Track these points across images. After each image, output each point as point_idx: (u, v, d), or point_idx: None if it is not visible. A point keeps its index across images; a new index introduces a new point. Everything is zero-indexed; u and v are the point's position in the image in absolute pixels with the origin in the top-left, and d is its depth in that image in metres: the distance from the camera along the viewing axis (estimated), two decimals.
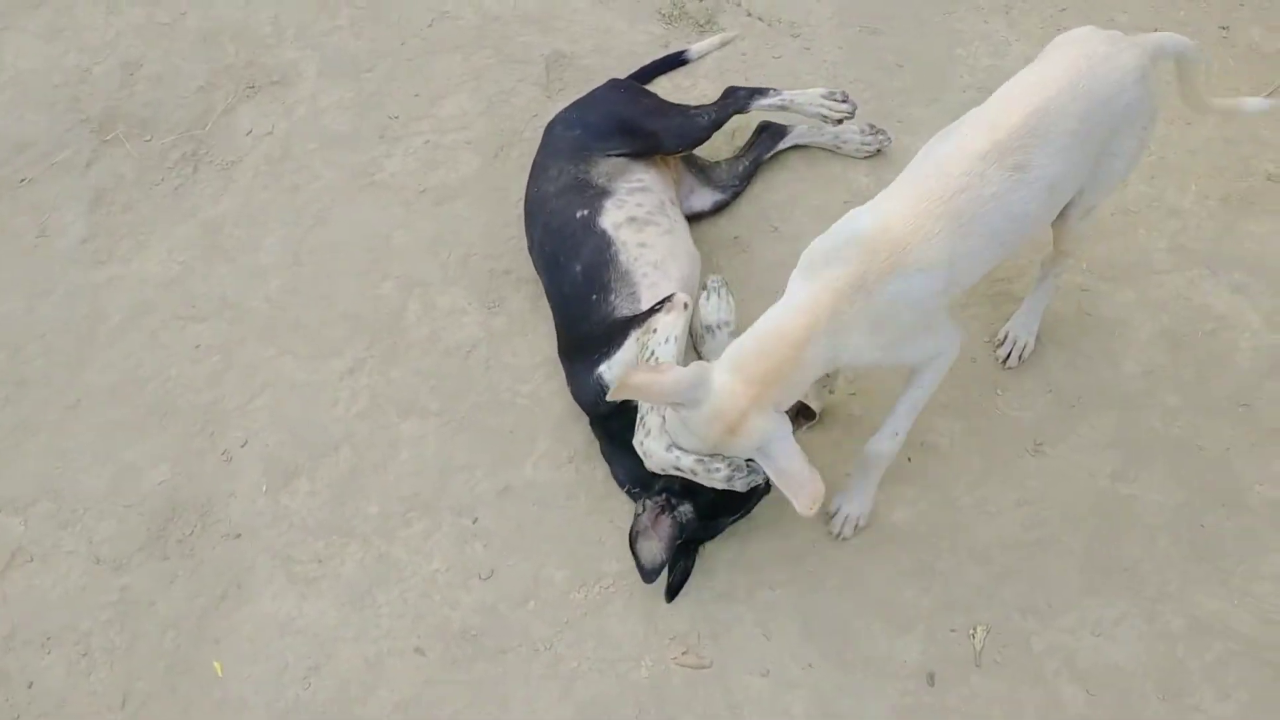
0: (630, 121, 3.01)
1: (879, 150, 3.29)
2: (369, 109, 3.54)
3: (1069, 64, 2.33)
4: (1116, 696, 2.47)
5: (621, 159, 2.98)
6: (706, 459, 2.36)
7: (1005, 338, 2.95)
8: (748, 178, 3.28)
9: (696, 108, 3.15)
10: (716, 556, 2.69)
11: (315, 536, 2.77)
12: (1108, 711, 2.45)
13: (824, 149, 3.35)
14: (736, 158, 3.31)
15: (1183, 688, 2.47)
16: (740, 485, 2.40)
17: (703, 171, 3.24)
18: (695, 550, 2.65)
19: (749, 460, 2.36)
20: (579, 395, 2.75)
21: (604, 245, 2.79)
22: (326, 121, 3.53)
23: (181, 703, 2.55)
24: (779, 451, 2.23)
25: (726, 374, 2.20)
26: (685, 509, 2.54)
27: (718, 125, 3.11)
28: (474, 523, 2.77)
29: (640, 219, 2.85)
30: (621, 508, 2.75)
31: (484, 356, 3.03)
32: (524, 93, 3.56)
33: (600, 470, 2.80)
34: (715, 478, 2.39)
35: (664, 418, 2.43)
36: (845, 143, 3.31)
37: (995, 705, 2.47)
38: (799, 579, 2.66)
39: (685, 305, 2.61)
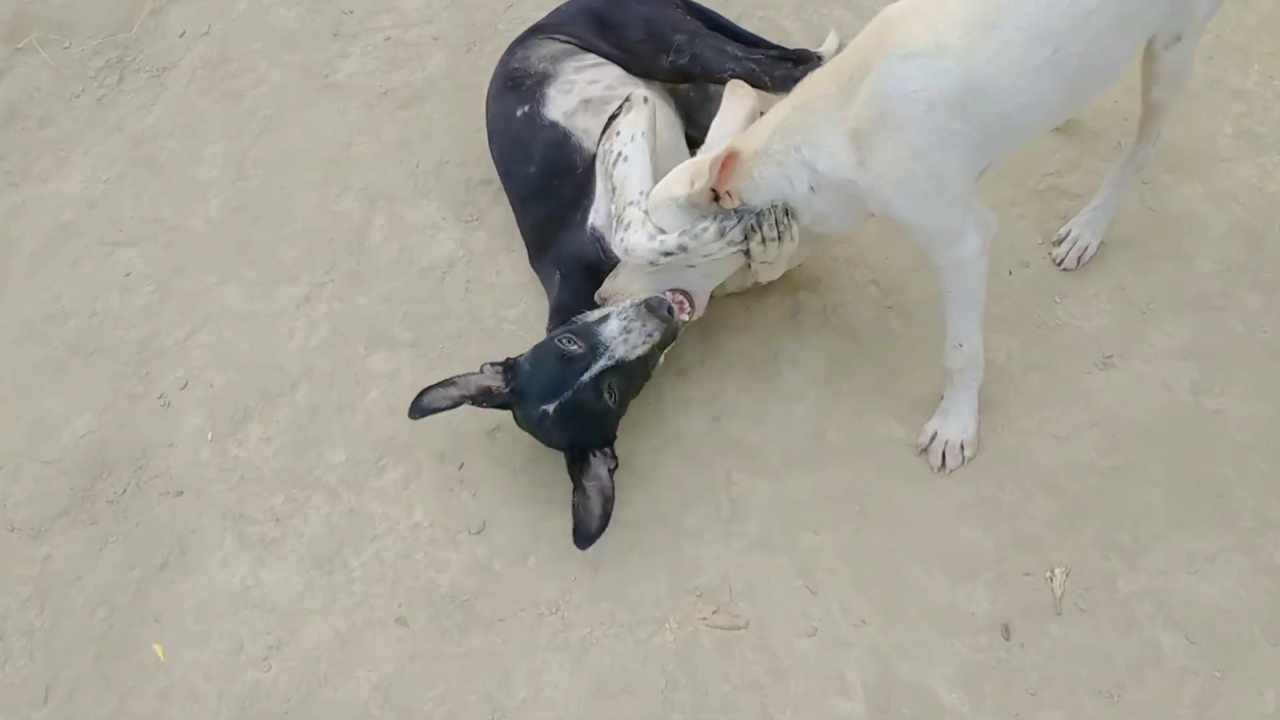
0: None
1: None
2: (320, 2, 3.08)
3: None
4: (1221, 643, 2.11)
5: (567, 44, 2.55)
6: (690, 229, 2.08)
7: (1067, 236, 2.56)
8: None
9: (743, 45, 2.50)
10: (748, 498, 2.30)
11: (272, 490, 2.35)
12: (1213, 661, 2.09)
13: None
14: None
15: None
16: (734, 235, 2.10)
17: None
18: (612, 493, 2.23)
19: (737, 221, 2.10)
20: (570, 263, 2.34)
21: (560, 140, 2.40)
22: (272, 18, 3.07)
23: (117, 693, 2.14)
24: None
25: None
26: (506, 391, 2.21)
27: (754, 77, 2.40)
28: (460, 468, 2.36)
29: (597, 99, 2.44)
30: (637, 445, 2.35)
31: (463, 277, 2.62)
32: None
33: None
34: (705, 238, 2.08)
35: (645, 212, 2.14)
36: None
37: (1082, 658, 2.10)
38: (845, 521, 2.28)
39: (645, 99, 2.24)
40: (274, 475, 2.38)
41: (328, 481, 2.36)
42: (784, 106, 2.06)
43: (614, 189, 2.18)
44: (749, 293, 2.55)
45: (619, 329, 2.13)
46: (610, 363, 2.13)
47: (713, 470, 2.35)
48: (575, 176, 2.36)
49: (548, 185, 2.39)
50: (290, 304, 2.60)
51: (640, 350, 2.14)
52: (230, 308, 2.60)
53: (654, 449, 2.37)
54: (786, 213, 2.08)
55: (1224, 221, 2.64)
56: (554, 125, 2.41)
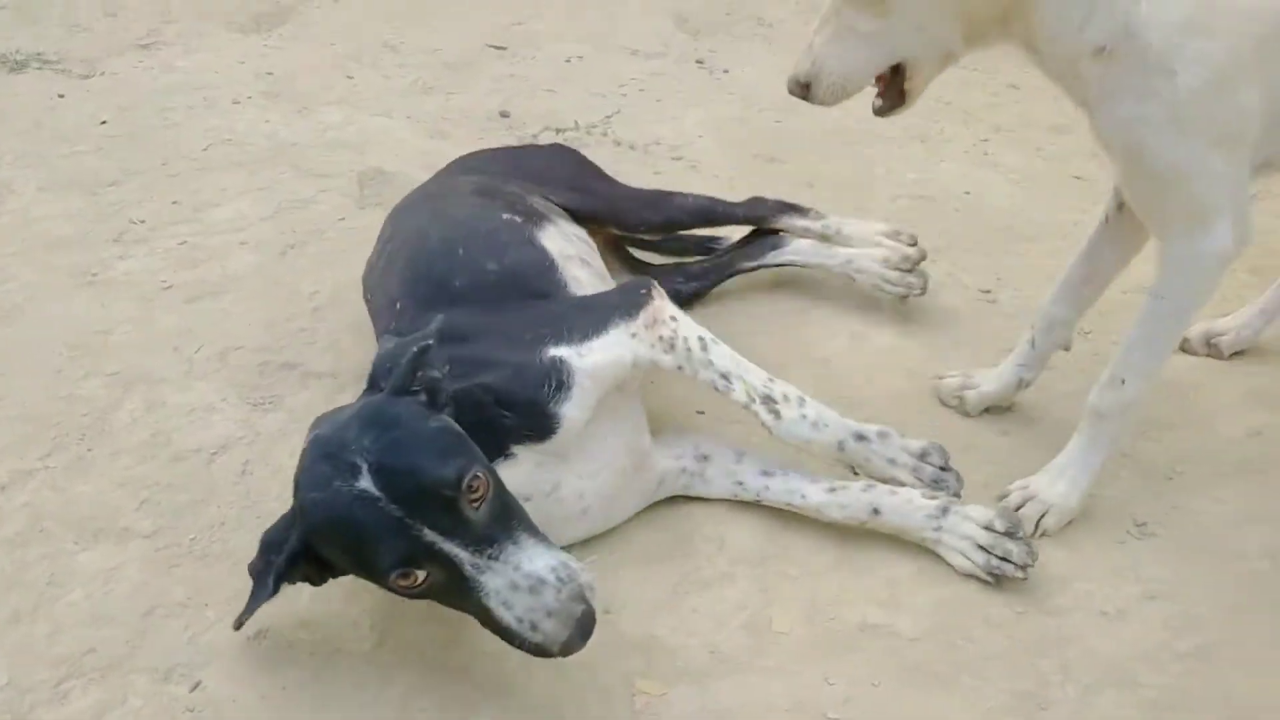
0: (583, 179, 2.27)
1: (906, 295, 2.26)
2: (106, 216, 2.54)
3: None
4: None
5: (559, 207, 2.12)
6: None
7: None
8: (697, 279, 2.33)
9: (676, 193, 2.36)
10: (661, 712, 1.45)
11: None
12: None
13: (830, 274, 2.34)
14: (692, 261, 2.40)
15: None
16: None
17: (631, 264, 2.37)
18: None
19: None
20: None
21: (543, 264, 1.86)
22: (41, 229, 2.49)
23: None
24: None
25: None
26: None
27: (706, 218, 2.31)
28: (193, 689, 1.46)
29: (594, 272, 1.98)
30: (480, 651, 1.51)
31: (240, 460, 1.86)
32: (327, 201, 2.65)
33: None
34: None
35: None
36: (861, 272, 2.28)
37: None
38: None
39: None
40: None
41: None
42: None
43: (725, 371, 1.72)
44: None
45: (523, 579, 1.34)
46: (464, 568, 1.34)
47: (603, 676, 1.52)
48: (546, 304, 1.77)
49: (501, 290, 1.78)
50: None
51: (501, 614, 1.34)
52: None
53: (504, 651, 1.52)
54: None
55: (1234, 389, 2.11)
56: (544, 250, 1.88)
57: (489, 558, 1.33)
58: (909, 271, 2.24)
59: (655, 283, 1.79)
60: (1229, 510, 1.85)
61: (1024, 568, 1.65)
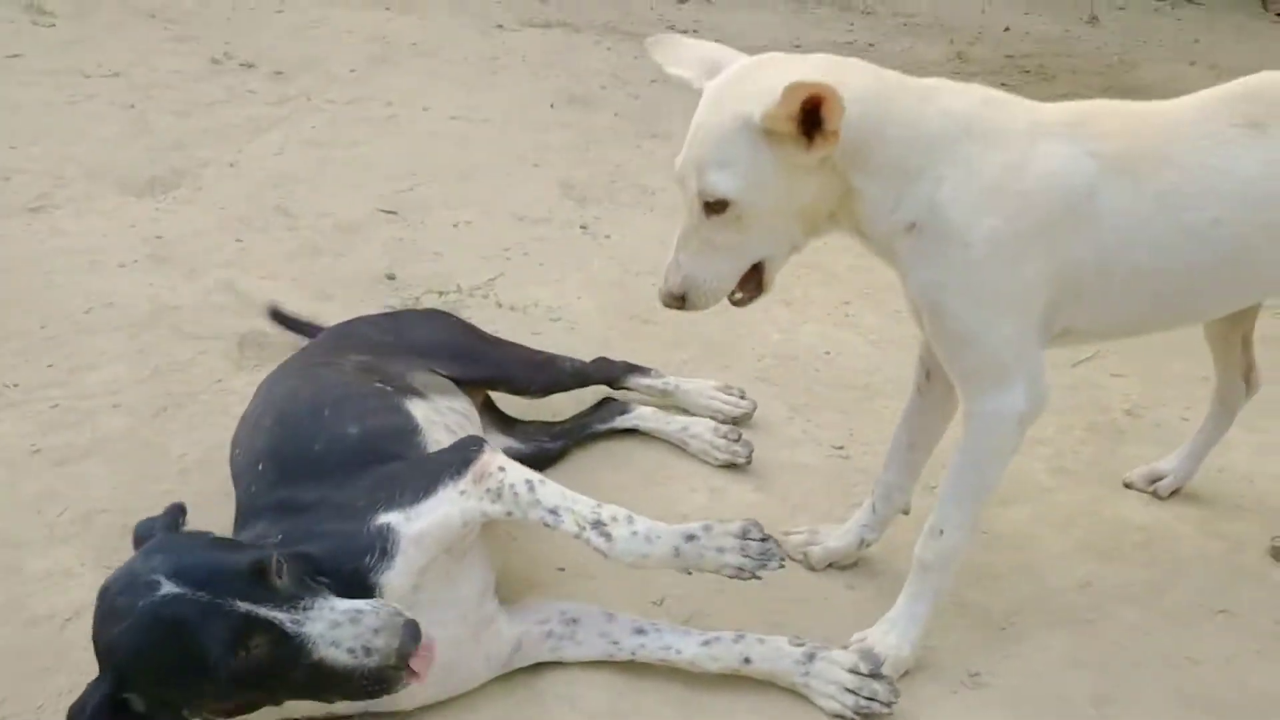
0: (469, 346, 2.40)
1: (732, 462, 2.43)
2: None
3: None
4: None
5: (443, 379, 2.24)
6: None
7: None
8: (561, 439, 2.47)
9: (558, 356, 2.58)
10: None
11: None
12: None
13: (669, 441, 2.52)
14: (557, 421, 2.54)
15: None
16: None
17: (504, 419, 2.48)
18: None
19: None
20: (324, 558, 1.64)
21: (408, 429, 1.94)
22: None
23: None
24: None
25: None
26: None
27: (581, 380, 2.54)
28: None
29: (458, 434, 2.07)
30: None
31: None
32: (205, 364, 2.70)
33: None
34: None
35: None
36: (694, 438, 2.47)
37: None
38: None
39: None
40: None
41: None
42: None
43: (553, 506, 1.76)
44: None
45: (341, 615, 1.46)
46: (285, 626, 1.41)
47: None
48: (387, 467, 1.81)
49: (359, 455, 1.83)
50: None
51: (334, 657, 1.43)
52: None
53: None
54: None
55: (1066, 541, 2.25)
56: (408, 415, 1.97)
57: (304, 610, 1.43)
58: (735, 441, 2.43)
59: (484, 439, 1.85)
60: (1057, 658, 1.95)
61: (889, 704, 1.75)
